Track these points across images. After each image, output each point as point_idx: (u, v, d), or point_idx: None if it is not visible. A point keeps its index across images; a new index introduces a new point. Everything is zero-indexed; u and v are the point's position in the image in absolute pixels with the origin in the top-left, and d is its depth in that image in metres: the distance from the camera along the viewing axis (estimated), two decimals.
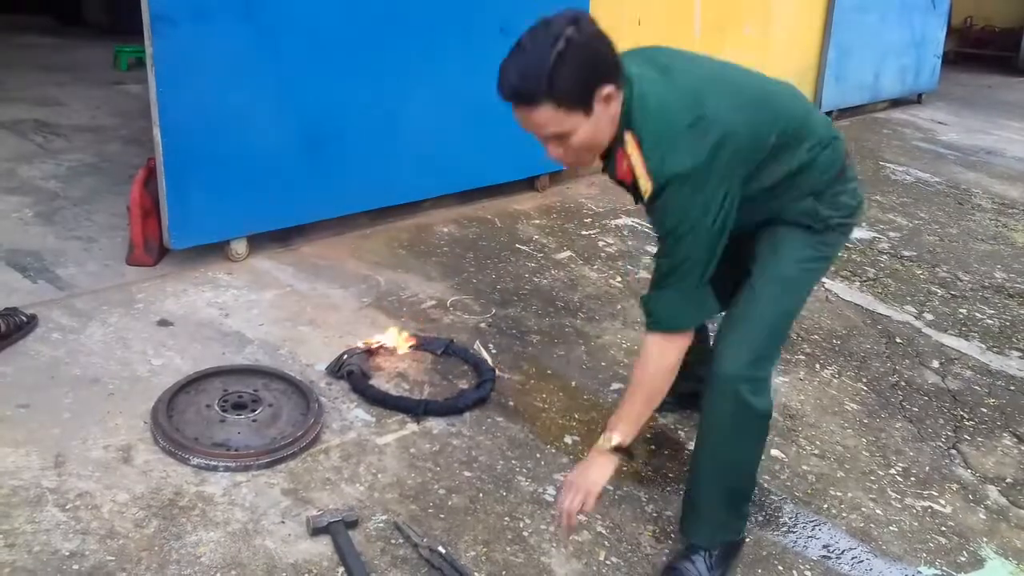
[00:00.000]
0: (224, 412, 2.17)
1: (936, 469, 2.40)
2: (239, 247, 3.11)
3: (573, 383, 2.59)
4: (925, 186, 5.21)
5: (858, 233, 4.10)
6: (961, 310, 3.46)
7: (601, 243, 3.74)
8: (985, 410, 2.73)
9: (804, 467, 2.33)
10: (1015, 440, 2.58)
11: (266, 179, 3.12)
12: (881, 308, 3.39)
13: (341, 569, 1.76)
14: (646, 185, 1.60)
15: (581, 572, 1.86)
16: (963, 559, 2.07)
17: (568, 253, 3.58)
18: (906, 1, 6.83)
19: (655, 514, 2.08)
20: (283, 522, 1.87)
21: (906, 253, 4.02)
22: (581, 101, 1.52)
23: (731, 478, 1.86)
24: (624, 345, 2.83)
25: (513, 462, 2.19)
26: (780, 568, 1.96)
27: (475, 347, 2.69)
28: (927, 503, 2.25)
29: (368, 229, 3.53)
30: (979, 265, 3.95)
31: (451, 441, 2.23)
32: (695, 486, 1.90)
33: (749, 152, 1.66)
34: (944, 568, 2.03)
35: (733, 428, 1.79)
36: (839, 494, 2.24)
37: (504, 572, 1.83)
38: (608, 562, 1.90)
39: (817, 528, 2.11)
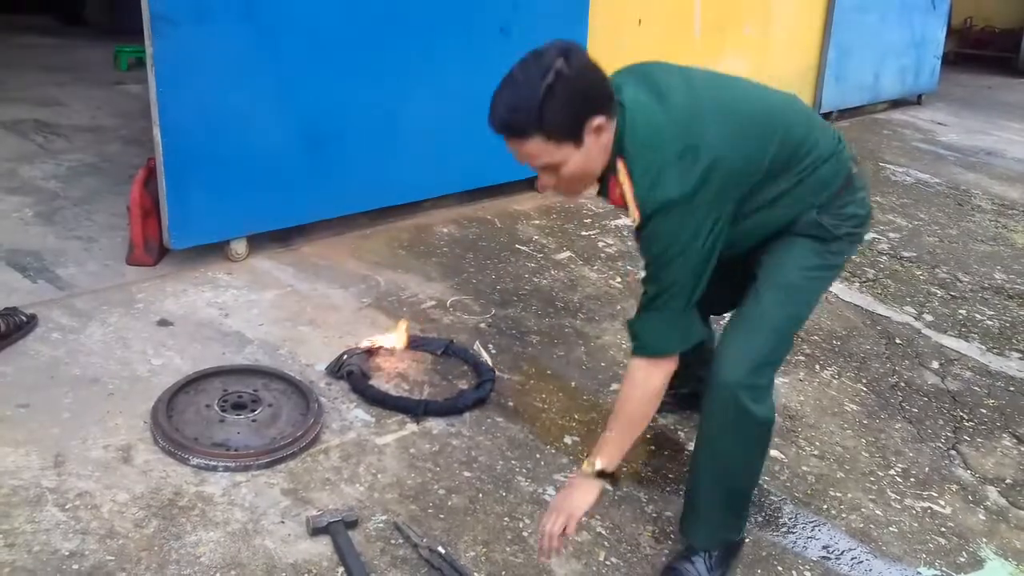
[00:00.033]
0: (224, 412, 2.17)
1: (936, 470, 2.40)
2: (239, 247, 3.11)
3: (573, 383, 2.59)
4: (925, 187, 5.21)
5: None
6: (961, 311, 3.46)
7: (601, 244, 3.74)
8: (985, 411, 2.73)
9: (804, 468, 2.33)
10: (1015, 441, 2.58)
11: (266, 179, 3.12)
12: (881, 309, 3.39)
13: (341, 569, 1.76)
14: (634, 214, 1.61)
15: (581, 572, 1.86)
16: (963, 560, 2.07)
17: (568, 253, 3.58)
18: (906, 1, 6.82)
19: (655, 515, 2.08)
20: (283, 522, 1.87)
21: (906, 254, 4.02)
22: (571, 133, 1.53)
23: (731, 481, 1.86)
24: (624, 345, 2.83)
25: (513, 462, 2.19)
26: (780, 569, 1.96)
27: (475, 347, 2.69)
28: (927, 504, 2.25)
29: (368, 229, 3.52)
30: (979, 266, 3.95)
31: (451, 441, 2.23)
32: (695, 488, 1.89)
33: (742, 176, 1.66)
34: (944, 569, 2.03)
35: (733, 434, 1.78)
36: (839, 495, 2.24)
37: (504, 572, 1.83)
38: (608, 562, 1.90)
39: (817, 529, 2.11)
